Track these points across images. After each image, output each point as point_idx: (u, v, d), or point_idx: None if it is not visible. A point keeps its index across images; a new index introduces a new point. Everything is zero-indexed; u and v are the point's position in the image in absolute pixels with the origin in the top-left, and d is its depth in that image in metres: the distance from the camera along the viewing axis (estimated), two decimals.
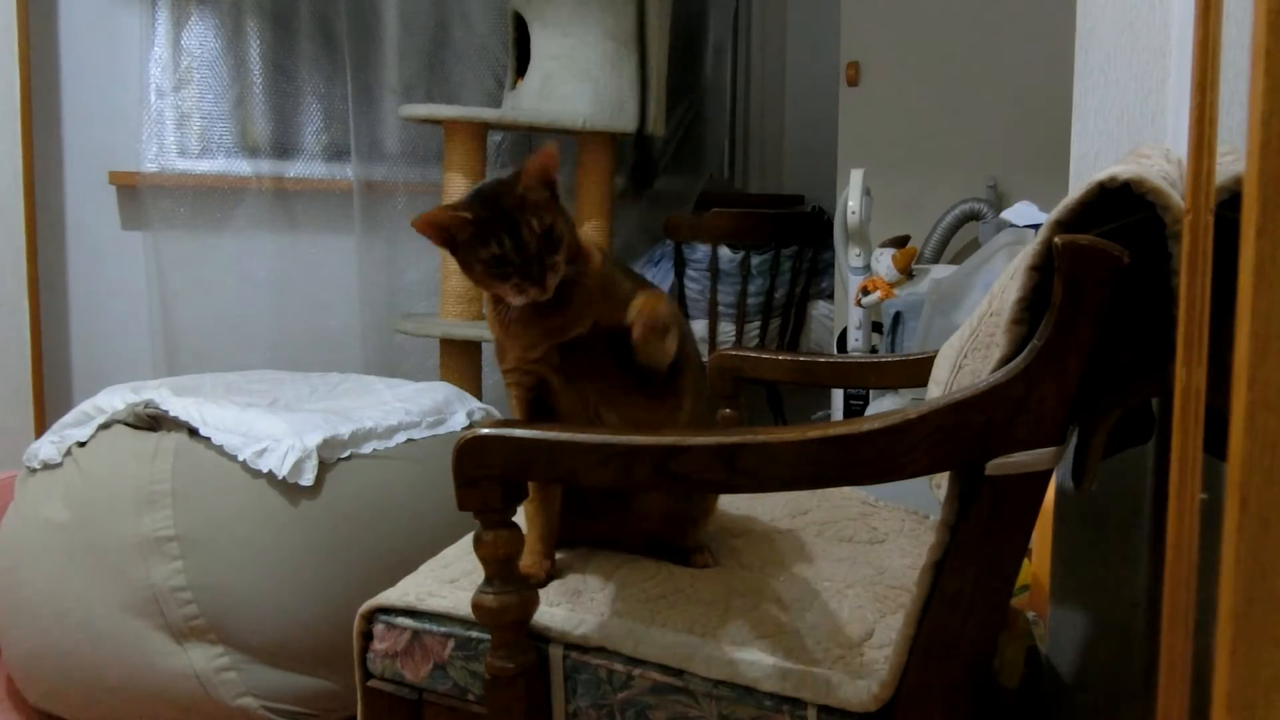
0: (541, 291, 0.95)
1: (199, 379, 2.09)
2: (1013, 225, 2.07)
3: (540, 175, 0.97)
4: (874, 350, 2.37)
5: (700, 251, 2.85)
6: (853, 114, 2.94)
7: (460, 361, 2.55)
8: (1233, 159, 0.74)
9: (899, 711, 0.84)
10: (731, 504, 1.30)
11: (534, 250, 0.95)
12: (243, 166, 2.81)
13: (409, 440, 1.78)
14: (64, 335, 2.67)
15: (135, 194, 2.71)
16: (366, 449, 1.70)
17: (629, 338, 0.98)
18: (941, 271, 2.32)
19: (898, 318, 2.17)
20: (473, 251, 0.96)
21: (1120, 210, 0.74)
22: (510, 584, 0.92)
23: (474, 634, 0.99)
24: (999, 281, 1.04)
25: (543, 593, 0.99)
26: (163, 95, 2.72)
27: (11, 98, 2.40)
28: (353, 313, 2.91)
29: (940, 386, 1.11)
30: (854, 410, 2.35)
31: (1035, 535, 1.37)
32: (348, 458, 1.67)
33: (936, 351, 1.28)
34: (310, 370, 2.32)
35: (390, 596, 1.05)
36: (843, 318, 2.69)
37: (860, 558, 1.14)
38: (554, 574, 1.06)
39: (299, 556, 1.59)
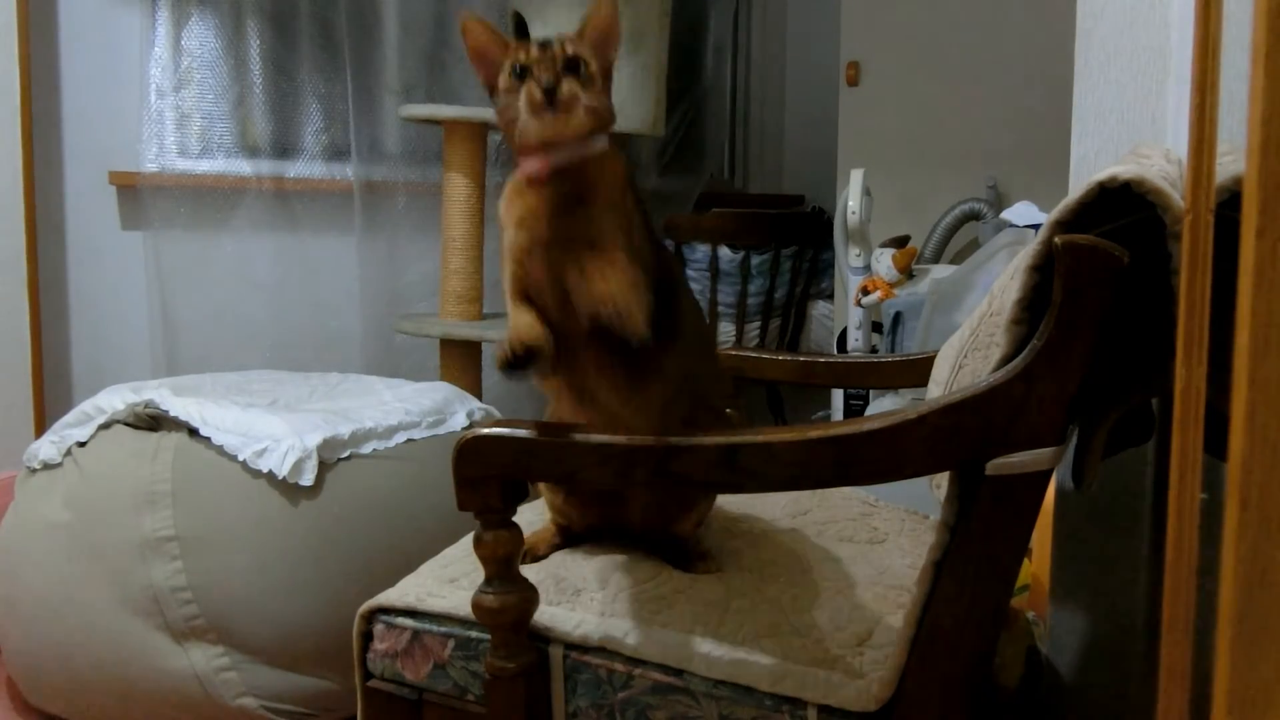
0: (549, 109, 0.91)
1: (199, 379, 2.09)
2: (1013, 225, 2.07)
3: (595, 32, 0.96)
4: (874, 350, 2.37)
5: (700, 251, 2.85)
6: (853, 114, 2.94)
7: (460, 361, 2.55)
8: (1233, 159, 0.74)
9: (899, 711, 0.84)
10: (731, 504, 1.30)
11: (556, 66, 0.92)
12: (243, 166, 2.81)
13: (409, 440, 1.78)
14: (64, 335, 2.67)
15: (135, 194, 2.71)
16: (366, 449, 1.70)
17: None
18: (941, 271, 2.32)
19: (898, 318, 2.17)
20: (502, 68, 0.95)
21: (1120, 210, 0.74)
22: (510, 584, 0.92)
23: (474, 634, 0.99)
24: (999, 281, 1.04)
25: (543, 592, 0.99)
26: (163, 95, 2.72)
27: (11, 98, 2.40)
28: (353, 313, 2.91)
29: (940, 386, 1.11)
30: (854, 410, 2.35)
31: (1035, 535, 1.36)
32: (348, 458, 1.67)
33: (936, 351, 1.28)
34: (310, 370, 2.32)
35: (390, 596, 1.05)
36: (843, 318, 2.69)
37: (860, 558, 1.14)
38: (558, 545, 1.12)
39: (299, 556, 1.59)
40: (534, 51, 0.93)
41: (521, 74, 0.92)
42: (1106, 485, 1.12)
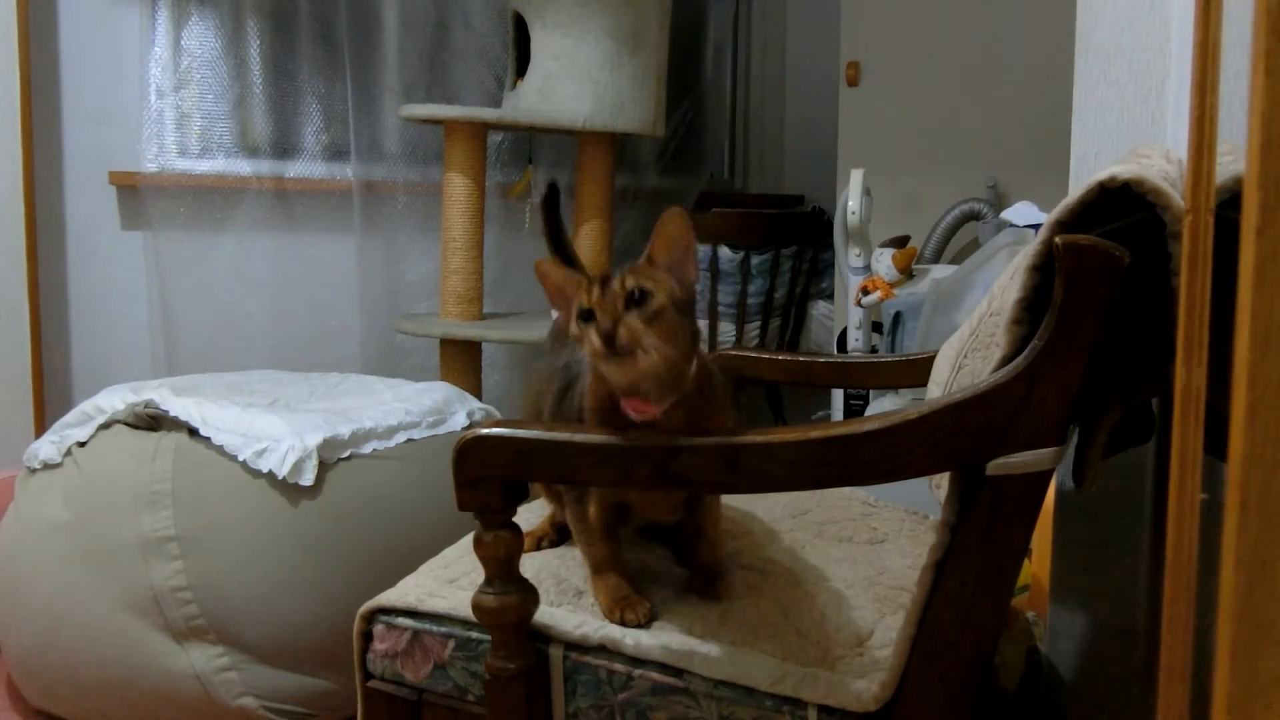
0: (609, 350, 0.85)
1: (199, 379, 2.09)
2: (1013, 225, 2.07)
3: (665, 241, 0.92)
4: (874, 350, 2.37)
5: (700, 251, 2.85)
6: (853, 114, 2.94)
7: (460, 361, 2.55)
8: (1233, 159, 0.74)
9: (899, 711, 0.84)
10: (731, 504, 1.30)
11: (615, 308, 0.86)
12: (243, 166, 2.81)
13: (409, 440, 1.78)
14: (64, 335, 2.67)
15: (135, 194, 2.71)
16: (367, 449, 1.70)
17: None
18: (941, 271, 2.32)
19: (898, 318, 2.17)
20: (575, 308, 0.91)
21: (1120, 210, 0.74)
22: (510, 584, 0.92)
23: (474, 634, 0.99)
24: (999, 281, 1.04)
25: (543, 592, 0.99)
26: (163, 95, 2.72)
27: (11, 98, 2.40)
28: (353, 313, 2.91)
29: (940, 387, 1.11)
30: (854, 410, 2.35)
31: (1035, 535, 1.36)
32: (348, 458, 1.67)
33: (936, 351, 1.28)
34: (310, 370, 2.32)
35: (390, 597, 1.05)
36: (843, 318, 2.69)
37: (860, 558, 1.14)
38: (654, 614, 0.98)
39: (299, 556, 1.59)
40: (595, 292, 0.88)
41: (588, 317, 0.87)
42: (1106, 485, 1.12)
